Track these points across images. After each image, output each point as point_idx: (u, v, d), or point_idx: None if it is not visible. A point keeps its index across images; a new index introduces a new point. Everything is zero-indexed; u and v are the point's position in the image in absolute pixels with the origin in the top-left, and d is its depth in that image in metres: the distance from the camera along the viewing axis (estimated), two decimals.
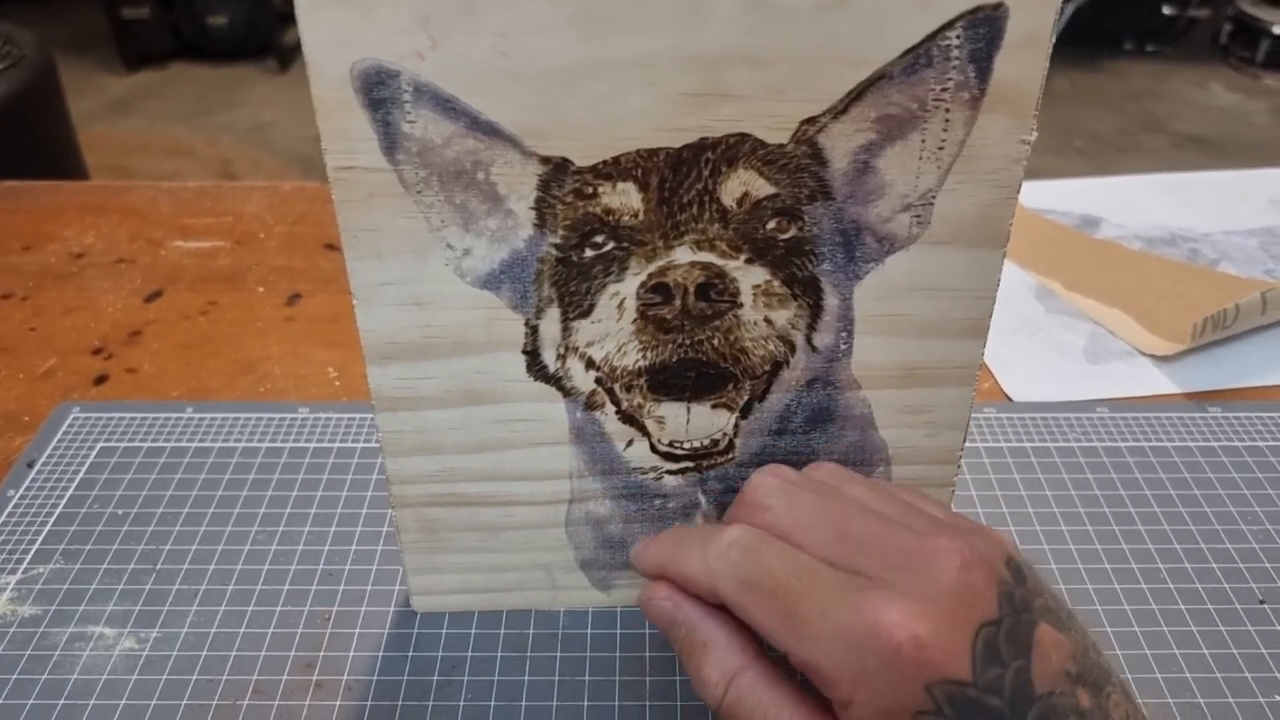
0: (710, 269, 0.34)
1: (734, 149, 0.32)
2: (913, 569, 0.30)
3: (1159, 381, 0.57)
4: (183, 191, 0.76)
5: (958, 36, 0.30)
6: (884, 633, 0.28)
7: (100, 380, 0.57)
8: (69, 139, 1.66)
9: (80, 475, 0.50)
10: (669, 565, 0.34)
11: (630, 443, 0.38)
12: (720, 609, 0.33)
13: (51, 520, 0.47)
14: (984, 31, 0.30)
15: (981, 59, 0.31)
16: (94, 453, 0.51)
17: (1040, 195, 0.76)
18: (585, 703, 0.39)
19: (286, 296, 0.64)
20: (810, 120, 0.32)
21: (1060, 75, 3.13)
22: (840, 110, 0.32)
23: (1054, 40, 0.31)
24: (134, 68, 3.13)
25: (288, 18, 2.96)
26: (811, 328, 0.36)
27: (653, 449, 0.38)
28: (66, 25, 3.34)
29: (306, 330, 0.61)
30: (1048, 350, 0.60)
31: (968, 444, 0.51)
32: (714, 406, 0.37)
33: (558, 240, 0.34)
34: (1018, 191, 0.34)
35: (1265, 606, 0.43)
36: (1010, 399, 0.56)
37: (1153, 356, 0.59)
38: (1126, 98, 3.04)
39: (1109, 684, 0.30)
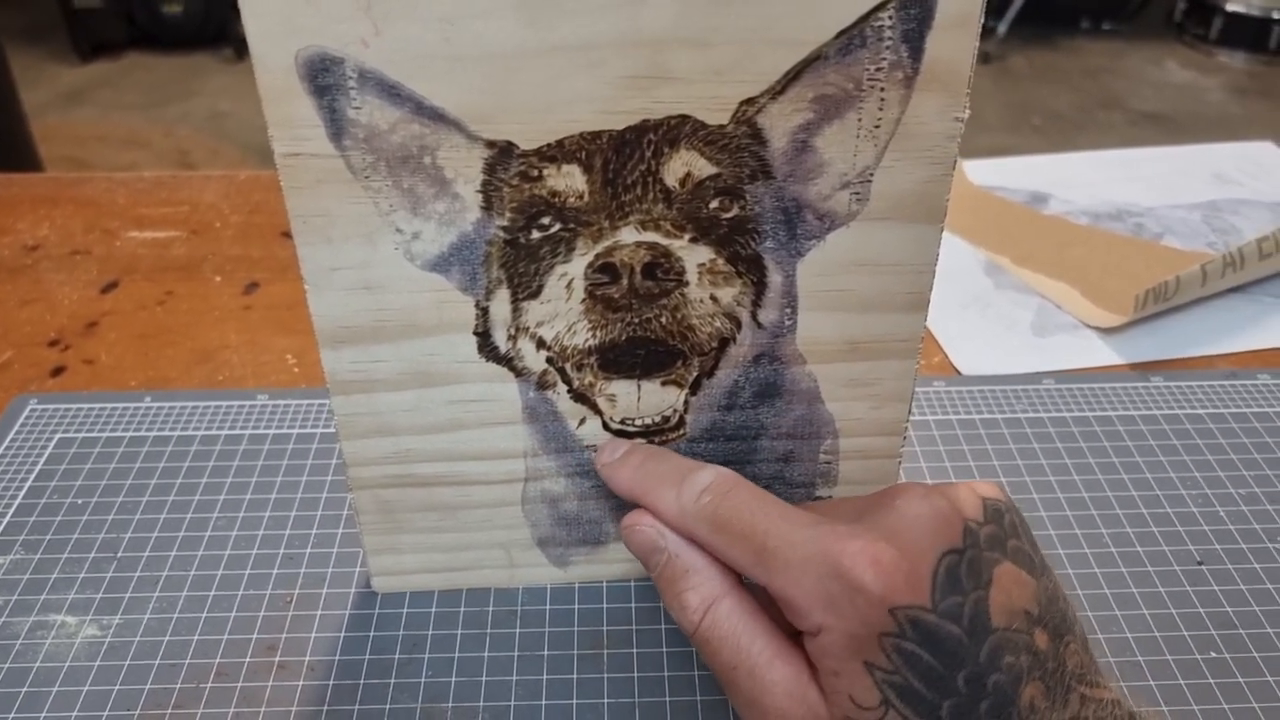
0: (656, 249, 0.35)
1: (675, 130, 0.33)
2: (875, 509, 0.32)
3: (1104, 353, 0.58)
4: (138, 182, 0.75)
5: (890, 17, 0.31)
6: (848, 560, 0.30)
7: (57, 372, 0.57)
8: (21, 130, 1.64)
9: (39, 466, 0.50)
10: (641, 500, 0.36)
11: (583, 421, 0.39)
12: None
13: (11, 511, 0.47)
14: (915, 12, 0.31)
15: (914, 39, 0.32)
16: (52, 443, 0.51)
17: (990, 173, 0.77)
18: (544, 676, 0.40)
19: (244, 285, 0.64)
20: (749, 101, 0.33)
21: (1018, 54, 3.15)
22: (778, 91, 0.32)
23: (983, 20, 0.32)
24: (88, 58, 3.09)
25: None
26: (756, 304, 0.37)
27: (605, 427, 0.39)
28: (18, 15, 3.28)
29: (264, 318, 0.61)
30: (996, 324, 0.61)
31: (917, 416, 0.53)
32: (664, 384, 0.38)
33: (505, 223, 0.34)
34: (953, 167, 0.34)
35: (1203, 568, 0.45)
36: (959, 372, 0.57)
37: (1098, 329, 0.60)
38: (1083, 75, 3.07)
39: (1070, 634, 0.31)
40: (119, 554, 0.45)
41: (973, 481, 0.34)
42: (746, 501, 0.33)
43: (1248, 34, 3.09)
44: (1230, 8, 3.10)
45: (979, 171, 0.77)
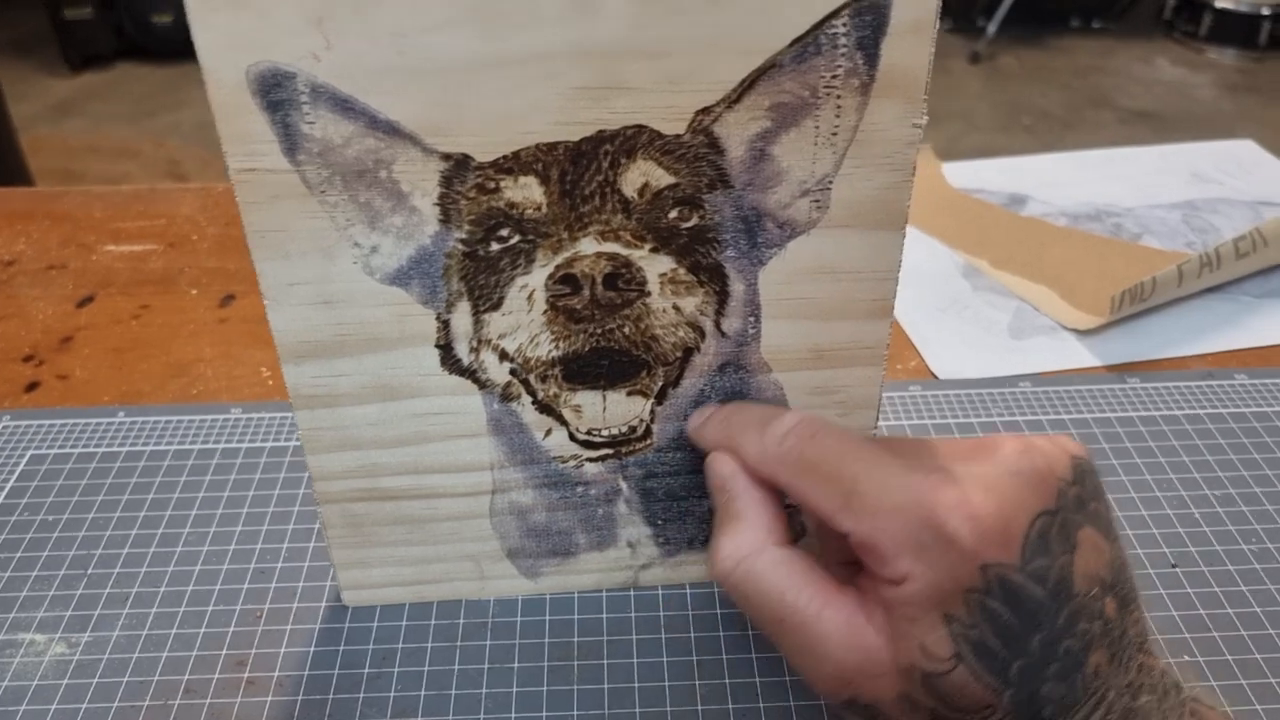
0: (616, 259, 0.35)
1: (631, 140, 0.33)
2: (971, 457, 0.31)
3: (1081, 355, 0.58)
4: (115, 196, 0.75)
5: (844, 24, 0.31)
6: (944, 511, 0.29)
7: (31, 387, 0.56)
8: (11, 143, 1.64)
9: (10, 483, 0.49)
10: (728, 448, 0.36)
11: (549, 432, 0.39)
12: (771, 491, 0.35)
13: None
14: (869, 19, 0.31)
15: (869, 46, 0.32)
16: (24, 460, 0.51)
17: (969, 175, 0.77)
18: (514, 689, 0.40)
19: (220, 298, 0.64)
20: (705, 110, 0.32)
21: (1008, 54, 3.16)
22: (734, 99, 0.32)
23: (938, 26, 0.32)
24: (78, 69, 3.08)
25: None
26: (719, 313, 0.36)
27: (571, 438, 0.39)
28: (7, 27, 3.28)
29: (239, 331, 0.61)
30: (974, 328, 0.61)
31: (894, 421, 0.53)
32: (629, 394, 0.38)
33: (463, 235, 0.34)
34: (913, 174, 0.34)
35: (1177, 570, 0.44)
36: (936, 376, 0.57)
37: (1075, 330, 0.60)
38: (1073, 74, 3.07)
39: (1134, 603, 0.31)
40: (89, 571, 0.45)
41: (1056, 436, 0.33)
42: (834, 444, 0.33)
43: (1237, 31, 3.10)
44: (1219, 4, 3.10)
45: (958, 174, 0.77)
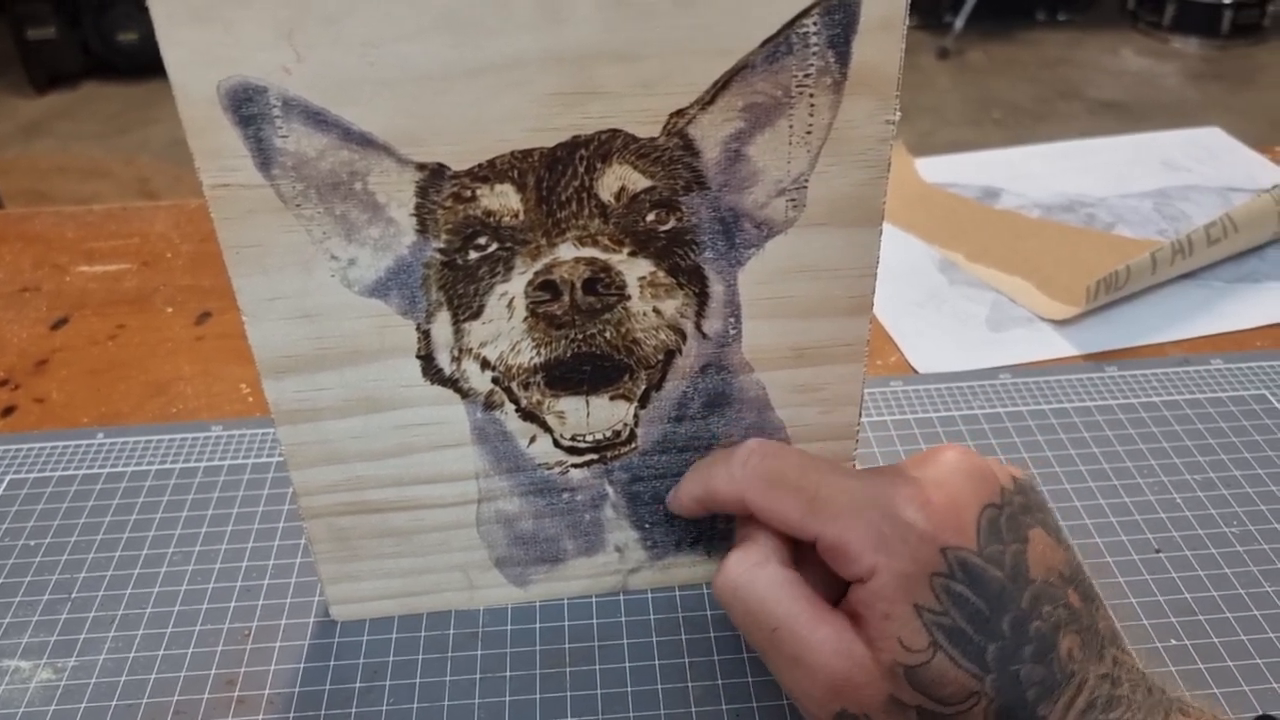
0: (595, 263, 0.35)
1: (607, 145, 0.33)
2: (919, 465, 0.34)
3: (1059, 345, 0.59)
4: (87, 215, 0.75)
5: (814, 23, 0.31)
6: (900, 502, 0.32)
7: (8, 412, 0.56)
8: None
9: None
10: (703, 492, 0.37)
11: (533, 439, 0.39)
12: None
13: None
14: (839, 18, 0.31)
15: (840, 44, 0.32)
16: (3, 485, 0.50)
17: (943, 169, 0.77)
18: (507, 698, 0.40)
19: (196, 315, 0.63)
20: (679, 113, 0.33)
21: (976, 48, 3.17)
22: (707, 101, 0.32)
23: (907, 23, 0.32)
24: (44, 89, 3.05)
25: None
26: (700, 315, 0.36)
27: (555, 444, 0.39)
28: None
29: (217, 348, 0.60)
30: (952, 321, 0.61)
31: (875, 417, 0.53)
32: (612, 398, 0.38)
33: (441, 244, 0.34)
34: (888, 170, 0.35)
35: (1161, 555, 0.45)
36: (916, 371, 0.57)
37: (1052, 321, 0.60)
38: (1041, 67, 3.09)
39: (1098, 601, 0.33)
40: (73, 595, 0.44)
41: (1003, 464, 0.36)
42: (794, 459, 0.35)
43: (1200, 20, 3.13)
44: None
45: (932, 168, 0.77)
